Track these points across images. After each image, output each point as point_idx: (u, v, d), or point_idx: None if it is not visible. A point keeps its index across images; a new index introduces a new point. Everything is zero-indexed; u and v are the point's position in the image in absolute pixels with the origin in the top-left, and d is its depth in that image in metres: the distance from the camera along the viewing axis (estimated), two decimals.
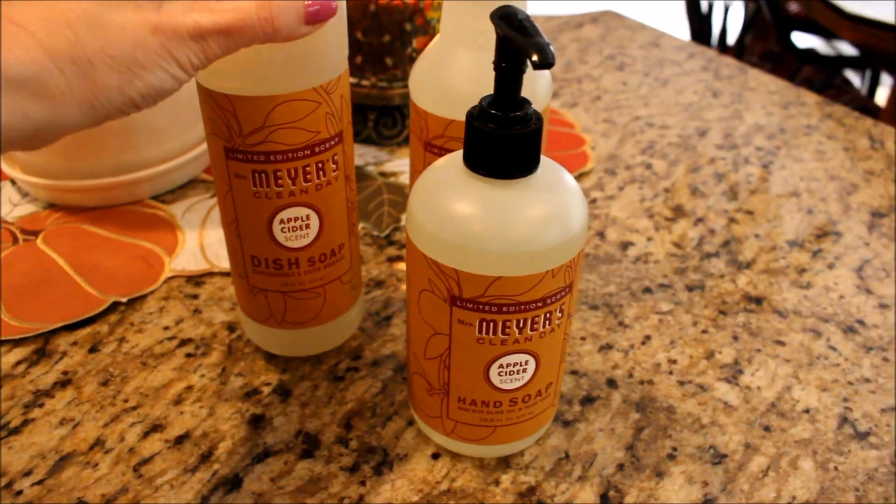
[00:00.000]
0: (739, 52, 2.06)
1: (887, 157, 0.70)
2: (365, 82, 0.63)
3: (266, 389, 0.43)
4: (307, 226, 0.39)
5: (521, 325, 0.33)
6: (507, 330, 0.33)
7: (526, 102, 0.31)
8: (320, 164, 0.37)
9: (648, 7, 3.98)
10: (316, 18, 0.31)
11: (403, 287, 0.51)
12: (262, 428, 0.41)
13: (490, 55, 0.39)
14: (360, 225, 0.56)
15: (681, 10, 2.23)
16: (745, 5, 2.10)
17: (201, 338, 0.47)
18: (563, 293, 0.34)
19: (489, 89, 0.39)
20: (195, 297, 0.50)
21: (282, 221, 0.38)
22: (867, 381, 0.45)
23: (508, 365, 0.35)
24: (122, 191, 0.58)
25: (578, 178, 0.64)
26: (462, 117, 0.39)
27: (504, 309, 0.33)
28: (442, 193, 0.33)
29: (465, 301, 0.33)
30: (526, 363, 0.35)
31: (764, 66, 2.00)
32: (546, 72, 0.43)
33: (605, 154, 0.68)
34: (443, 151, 0.42)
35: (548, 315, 0.34)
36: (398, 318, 0.48)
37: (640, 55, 0.90)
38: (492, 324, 0.33)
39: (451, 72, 0.40)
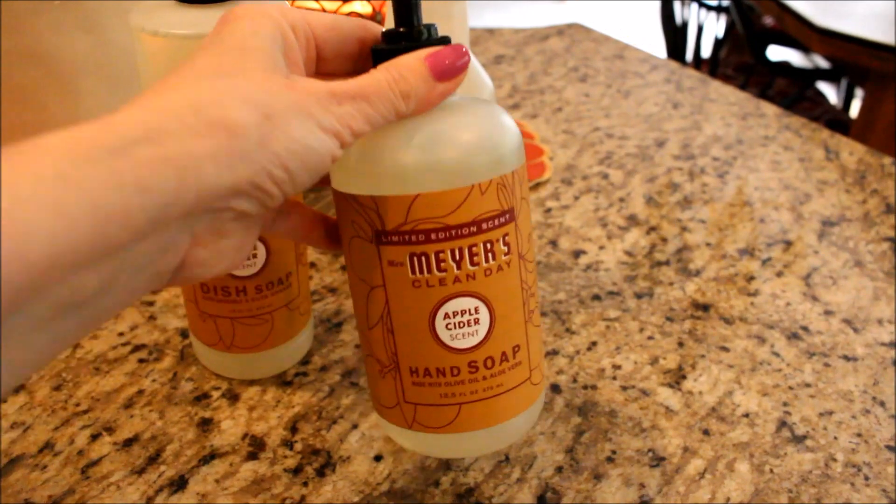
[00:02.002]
0: (714, 65, 2.09)
1: (841, 167, 0.71)
2: None
3: (215, 394, 0.44)
4: (254, 255, 0.39)
5: (458, 257, 0.30)
6: (443, 265, 0.30)
7: (427, 26, 0.31)
8: None
9: (623, 21, 4.02)
10: (441, 69, 0.29)
11: None
12: (209, 431, 0.42)
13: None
14: None
15: (656, 24, 2.25)
16: (718, 19, 2.12)
17: (154, 343, 0.48)
18: (501, 219, 0.30)
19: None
20: (151, 304, 0.51)
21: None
22: (808, 385, 0.46)
23: (455, 314, 0.31)
24: None
25: (535, 188, 0.65)
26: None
27: (433, 236, 0.30)
28: None
29: (389, 235, 0.30)
30: (476, 311, 0.31)
31: (738, 79, 2.03)
32: (489, 84, 0.44)
33: (562, 164, 0.69)
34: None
35: (488, 246, 0.30)
36: (349, 324, 0.49)
37: (604, 67, 0.92)
38: (423, 258, 0.30)
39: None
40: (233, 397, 0.44)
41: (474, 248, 0.30)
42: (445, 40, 0.31)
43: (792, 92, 1.97)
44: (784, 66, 2.01)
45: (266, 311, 0.42)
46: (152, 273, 0.24)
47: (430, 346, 0.32)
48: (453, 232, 0.30)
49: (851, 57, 1.54)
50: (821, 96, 1.99)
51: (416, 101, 0.29)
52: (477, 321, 0.32)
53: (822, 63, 2.38)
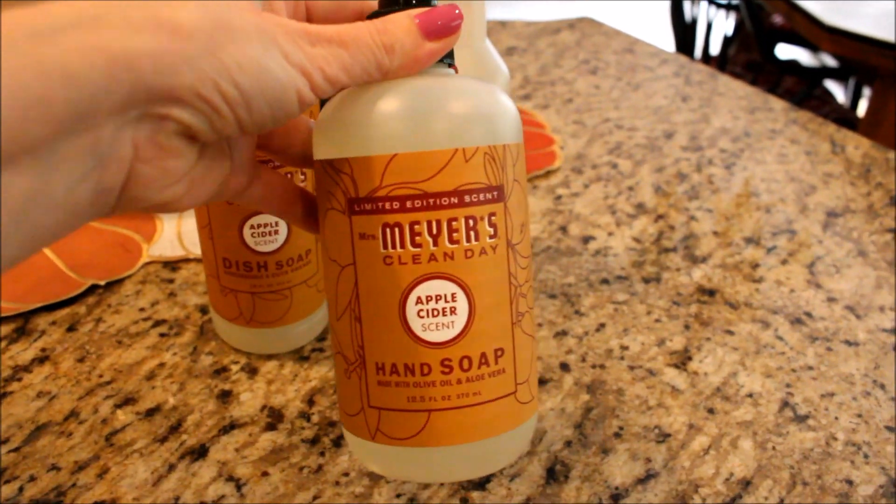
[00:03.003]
0: (722, 62, 2.10)
1: (847, 160, 0.72)
2: None
3: (234, 367, 0.45)
4: (276, 231, 0.41)
5: (435, 230, 0.27)
6: (418, 238, 0.27)
7: None
8: (289, 176, 0.39)
9: (634, 18, 4.03)
10: (431, 28, 0.27)
11: None
12: (229, 403, 0.43)
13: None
14: None
15: (666, 21, 2.26)
16: (728, 16, 2.13)
17: (175, 319, 0.49)
18: (487, 194, 0.27)
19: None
20: (171, 281, 0.52)
21: (252, 227, 0.40)
22: (810, 368, 0.47)
23: (430, 299, 0.27)
24: None
25: (545, 175, 0.66)
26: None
27: (408, 204, 0.27)
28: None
29: (362, 202, 0.27)
30: (453, 298, 0.27)
31: (746, 77, 2.03)
32: (505, 71, 0.45)
33: (573, 153, 0.70)
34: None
35: (470, 223, 0.27)
36: None
37: (614, 60, 0.93)
38: (397, 230, 0.27)
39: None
40: (251, 371, 0.45)
41: (454, 223, 0.27)
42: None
43: (800, 90, 1.98)
44: (792, 65, 2.02)
45: (285, 286, 0.43)
46: (95, 187, 0.22)
47: (399, 336, 0.28)
48: (431, 201, 0.27)
49: (860, 56, 1.55)
50: (829, 95, 2.00)
51: (402, 57, 0.27)
52: (454, 310, 0.28)
53: (830, 62, 2.39)
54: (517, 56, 0.93)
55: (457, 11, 0.28)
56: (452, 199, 0.27)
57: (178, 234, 0.56)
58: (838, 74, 2.07)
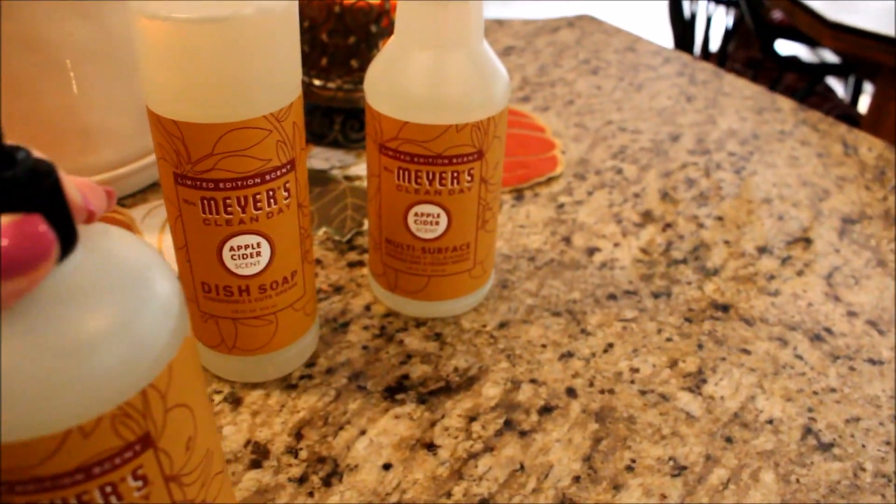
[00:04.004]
0: (722, 59, 2.07)
1: (860, 163, 0.69)
2: (331, 85, 0.62)
3: (217, 398, 0.42)
4: (258, 253, 0.38)
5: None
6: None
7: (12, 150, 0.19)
8: (271, 193, 0.36)
9: (632, 14, 4.00)
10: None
11: (363, 293, 0.50)
12: None
13: (445, 55, 0.39)
14: (322, 229, 0.55)
15: (664, 17, 2.23)
16: (727, 12, 2.10)
17: None
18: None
19: (443, 90, 0.39)
20: None
21: (232, 249, 0.37)
22: (833, 390, 0.44)
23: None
24: None
25: (547, 182, 0.63)
26: (416, 119, 0.39)
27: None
28: None
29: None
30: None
31: (746, 74, 2.00)
32: (504, 73, 0.42)
33: (575, 158, 0.67)
34: (398, 154, 0.41)
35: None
36: (356, 324, 0.47)
37: (616, 59, 0.90)
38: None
39: (405, 73, 0.39)
40: (235, 401, 0.42)
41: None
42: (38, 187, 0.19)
43: (800, 87, 1.95)
44: (793, 61, 1.99)
45: (270, 311, 0.40)
46: None
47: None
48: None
49: (863, 52, 1.52)
50: (830, 91, 1.97)
51: None
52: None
53: (830, 57, 2.36)
54: (515, 56, 0.90)
55: (41, 232, 0.18)
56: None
57: (158, 252, 0.53)
58: (840, 71, 2.04)
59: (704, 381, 0.44)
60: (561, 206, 0.60)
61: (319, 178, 0.61)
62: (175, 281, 0.23)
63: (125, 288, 0.21)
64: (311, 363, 0.44)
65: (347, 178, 0.61)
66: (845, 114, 1.81)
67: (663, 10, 2.25)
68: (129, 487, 0.22)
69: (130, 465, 0.21)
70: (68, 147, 0.55)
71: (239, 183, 0.35)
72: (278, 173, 0.36)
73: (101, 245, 0.21)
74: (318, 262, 0.52)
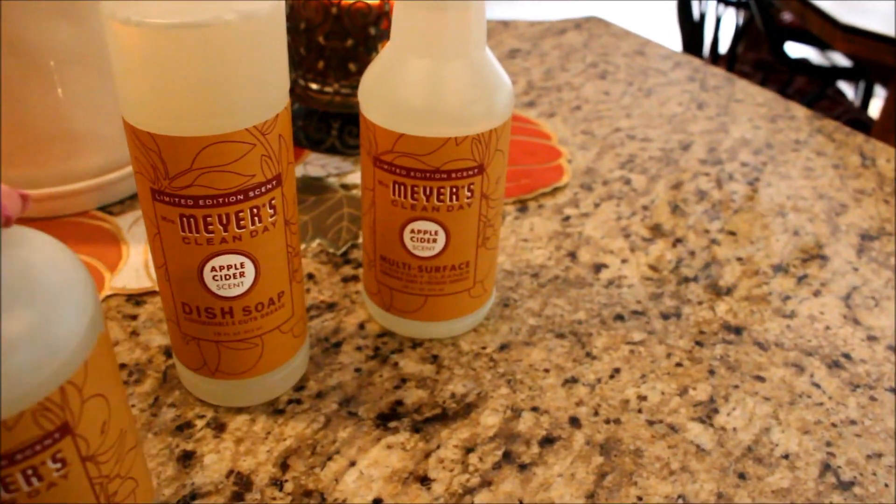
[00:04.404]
0: (731, 61, 2.04)
1: (879, 175, 0.66)
2: (328, 89, 0.60)
3: (199, 423, 0.40)
4: (241, 274, 0.35)
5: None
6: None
7: None
8: (255, 210, 0.34)
9: (640, 15, 3.96)
10: None
11: (357, 310, 0.47)
12: (191, 467, 0.37)
13: (443, 63, 0.36)
14: (316, 241, 0.53)
15: (673, 18, 2.20)
16: (737, 14, 2.07)
17: (136, 363, 0.43)
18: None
19: (441, 100, 0.36)
20: (134, 317, 0.47)
21: (214, 269, 0.34)
22: (853, 422, 0.42)
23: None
24: (66, 201, 0.55)
25: (552, 193, 0.61)
26: (412, 131, 0.36)
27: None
28: None
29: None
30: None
31: (756, 76, 1.97)
32: (507, 82, 0.39)
33: (581, 167, 0.65)
34: (393, 168, 0.38)
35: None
36: (348, 344, 0.45)
37: (624, 63, 0.87)
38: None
39: (401, 82, 0.37)
40: (218, 427, 0.40)
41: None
42: None
43: (810, 90, 1.92)
44: (803, 64, 1.96)
45: (255, 334, 0.38)
46: None
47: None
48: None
49: (876, 55, 1.49)
50: (841, 95, 1.94)
51: None
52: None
53: (840, 60, 2.32)
54: (520, 59, 0.87)
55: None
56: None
57: (144, 263, 0.51)
58: (851, 74, 2.01)
59: (716, 411, 0.42)
60: (566, 218, 0.57)
61: (315, 187, 0.58)
62: (90, 282, 0.24)
63: (40, 291, 0.23)
64: (300, 386, 0.42)
65: (344, 186, 0.59)
66: (856, 118, 1.78)
67: (672, 10, 2.22)
68: (49, 469, 0.24)
69: (50, 450, 0.24)
70: (53, 153, 0.53)
71: (220, 200, 0.33)
72: (263, 189, 0.33)
73: (17, 249, 0.23)
74: (311, 276, 0.50)
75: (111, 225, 0.55)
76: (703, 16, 2.10)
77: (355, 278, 0.50)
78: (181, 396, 0.41)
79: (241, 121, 0.31)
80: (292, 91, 0.61)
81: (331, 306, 0.48)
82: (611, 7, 3.99)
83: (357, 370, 0.43)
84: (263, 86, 0.31)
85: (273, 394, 0.41)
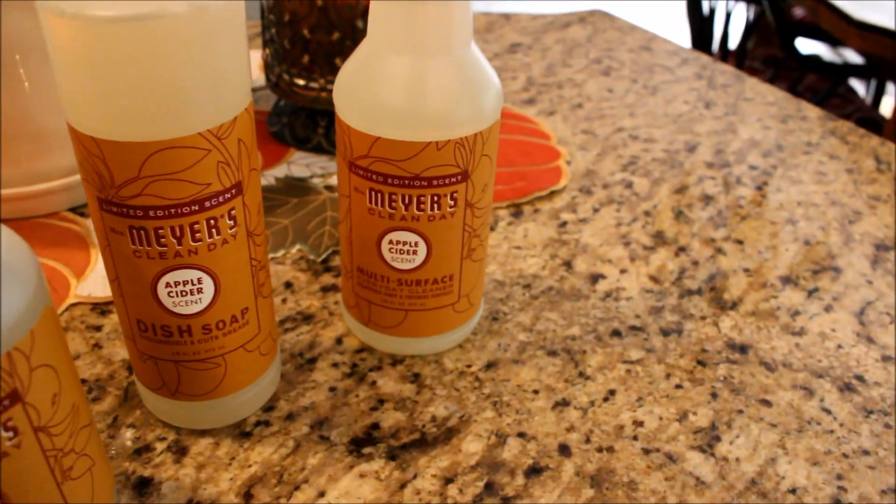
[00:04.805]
0: (741, 56, 2.00)
1: (895, 180, 0.63)
2: (314, 84, 0.56)
3: (159, 446, 0.37)
4: (199, 290, 0.32)
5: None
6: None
7: None
8: (212, 221, 0.31)
9: (648, 9, 3.92)
10: None
11: (335, 322, 0.44)
12: (147, 496, 0.35)
13: (424, 61, 0.34)
14: (297, 247, 0.50)
15: (682, 12, 2.16)
16: (747, 9, 2.03)
17: (96, 379, 0.41)
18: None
19: (421, 101, 0.33)
20: (98, 328, 0.44)
21: (169, 285, 0.31)
22: (865, 453, 0.39)
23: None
24: (35, 201, 0.52)
25: (549, 197, 0.57)
26: (389, 134, 0.33)
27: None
28: None
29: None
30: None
31: (766, 72, 1.94)
32: (495, 82, 0.36)
33: (581, 169, 0.61)
34: (369, 174, 0.35)
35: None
36: (324, 360, 0.42)
37: (629, 59, 0.84)
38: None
39: (378, 81, 0.34)
40: (180, 451, 0.37)
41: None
42: None
43: (822, 88, 1.88)
44: (815, 61, 1.92)
45: (217, 353, 0.35)
46: None
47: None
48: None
49: (889, 53, 1.45)
50: (852, 93, 1.89)
51: None
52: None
53: (852, 57, 2.28)
54: (521, 54, 0.84)
55: None
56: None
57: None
58: (863, 71, 1.96)
59: (718, 439, 0.39)
60: (563, 224, 0.54)
61: (298, 188, 0.55)
62: (33, 258, 0.25)
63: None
64: (269, 406, 0.39)
65: (329, 188, 0.56)
66: (868, 117, 1.74)
67: (681, 5, 2.18)
68: (2, 437, 0.24)
69: (1, 417, 0.24)
70: (20, 151, 0.50)
71: (172, 211, 0.30)
72: (220, 199, 0.30)
73: None
74: (289, 285, 0.47)
75: (81, 227, 0.52)
76: (712, 10, 2.06)
77: (335, 288, 0.47)
78: (142, 416, 0.38)
79: (193, 125, 0.28)
80: (276, 86, 0.58)
81: (307, 318, 0.45)
82: (618, 1, 3.94)
83: (332, 389, 0.40)
84: (218, 86, 0.28)
85: (239, 415, 0.38)
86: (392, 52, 0.34)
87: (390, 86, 0.34)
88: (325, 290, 0.47)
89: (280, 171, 0.58)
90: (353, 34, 0.54)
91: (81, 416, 0.28)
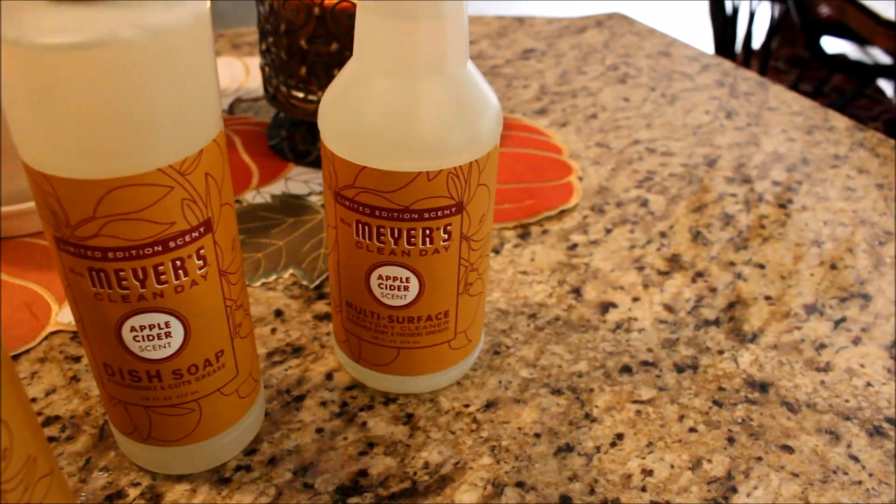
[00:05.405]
0: (765, 56, 1.95)
1: None
2: (312, 97, 0.54)
3: (133, 493, 0.34)
4: (167, 334, 0.29)
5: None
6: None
7: None
8: (178, 262, 0.28)
9: (670, 9, 3.86)
10: None
11: (326, 356, 0.42)
12: None
13: (414, 83, 0.31)
14: (289, 271, 0.47)
15: (705, 12, 2.12)
16: (772, 7, 1.98)
17: (71, 416, 0.38)
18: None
19: (410, 128, 0.31)
20: (77, 359, 0.41)
21: (134, 329, 0.29)
22: None
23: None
24: (17, 221, 0.50)
25: (559, 216, 0.54)
26: (377, 164, 0.31)
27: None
28: None
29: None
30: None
31: (790, 73, 1.89)
32: (494, 104, 0.33)
33: (594, 186, 0.58)
34: (355, 205, 0.32)
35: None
36: (312, 398, 0.39)
37: (647, 65, 0.80)
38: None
39: (364, 105, 0.31)
40: (154, 498, 0.34)
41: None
42: None
43: (849, 88, 1.83)
44: (841, 61, 1.87)
45: (190, 398, 0.32)
46: None
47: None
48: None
49: None
50: (880, 93, 1.84)
51: None
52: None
53: (879, 56, 2.22)
54: (534, 60, 0.81)
55: None
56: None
57: None
58: (891, 72, 1.91)
59: (734, 490, 0.36)
60: (573, 246, 0.51)
61: (294, 206, 0.53)
62: None
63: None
64: (252, 449, 0.37)
65: None
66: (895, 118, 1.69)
67: (703, 4, 2.14)
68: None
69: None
70: (3, 170, 0.48)
71: (133, 252, 0.27)
72: (186, 239, 0.28)
73: None
74: (279, 313, 0.44)
75: None
76: (736, 9, 2.01)
77: (328, 317, 0.44)
78: (116, 459, 0.36)
79: (152, 160, 0.26)
80: (274, 98, 0.56)
81: (297, 350, 0.42)
82: (639, 2, 3.89)
83: (319, 430, 0.37)
84: (179, 117, 0.26)
85: (218, 460, 0.36)
86: (379, 73, 0.31)
87: (377, 110, 0.31)
88: (318, 318, 0.44)
89: (277, 187, 0.55)
90: (352, 45, 0.51)
91: (40, 466, 0.26)
